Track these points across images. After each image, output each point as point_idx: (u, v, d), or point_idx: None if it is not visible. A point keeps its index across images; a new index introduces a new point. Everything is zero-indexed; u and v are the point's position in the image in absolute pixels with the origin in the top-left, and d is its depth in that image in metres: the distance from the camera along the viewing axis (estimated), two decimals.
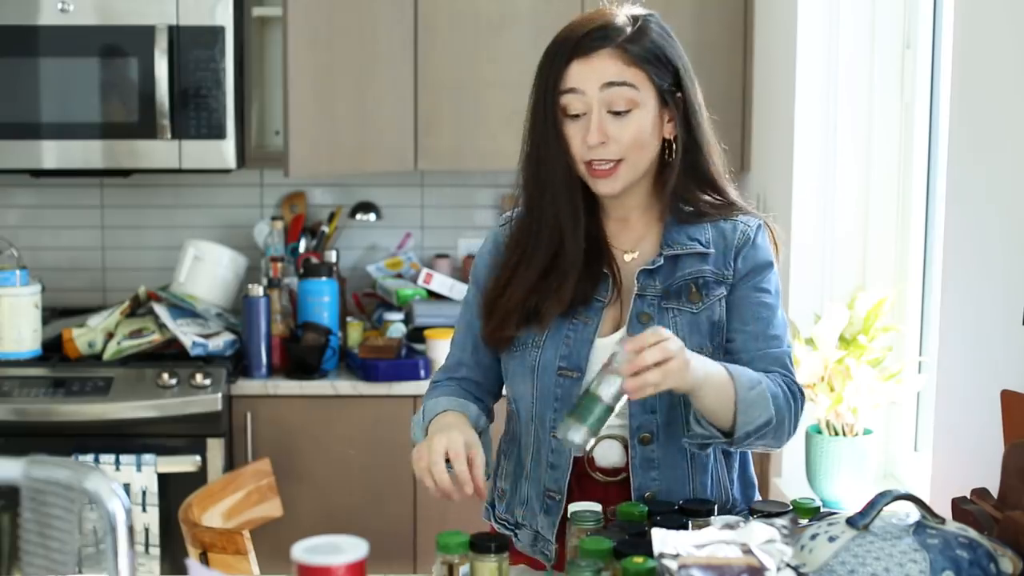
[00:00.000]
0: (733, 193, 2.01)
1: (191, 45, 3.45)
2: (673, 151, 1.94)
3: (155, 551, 3.24)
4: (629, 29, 1.90)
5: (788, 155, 3.15)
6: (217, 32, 3.45)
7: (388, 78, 3.55)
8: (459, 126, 3.58)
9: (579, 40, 1.89)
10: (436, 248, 3.96)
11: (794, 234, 3.12)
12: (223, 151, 3.49)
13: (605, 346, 1.92)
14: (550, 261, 1.95)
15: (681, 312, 1.92)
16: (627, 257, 1.98)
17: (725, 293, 1.93)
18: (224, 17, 3.45)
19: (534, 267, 1.95)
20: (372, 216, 3.91)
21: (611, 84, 1.87)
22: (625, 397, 1.72)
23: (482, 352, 2.04)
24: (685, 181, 1.95)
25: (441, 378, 2.08)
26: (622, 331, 1.93)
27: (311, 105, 3.40)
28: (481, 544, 1.64)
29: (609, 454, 1.95)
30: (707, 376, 1.79)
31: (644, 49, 1.89)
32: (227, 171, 3.56)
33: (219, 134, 3.48)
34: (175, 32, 3.44)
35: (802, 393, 1.94)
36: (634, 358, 1.71)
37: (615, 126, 1.88)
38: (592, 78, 1.87)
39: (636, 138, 1.89)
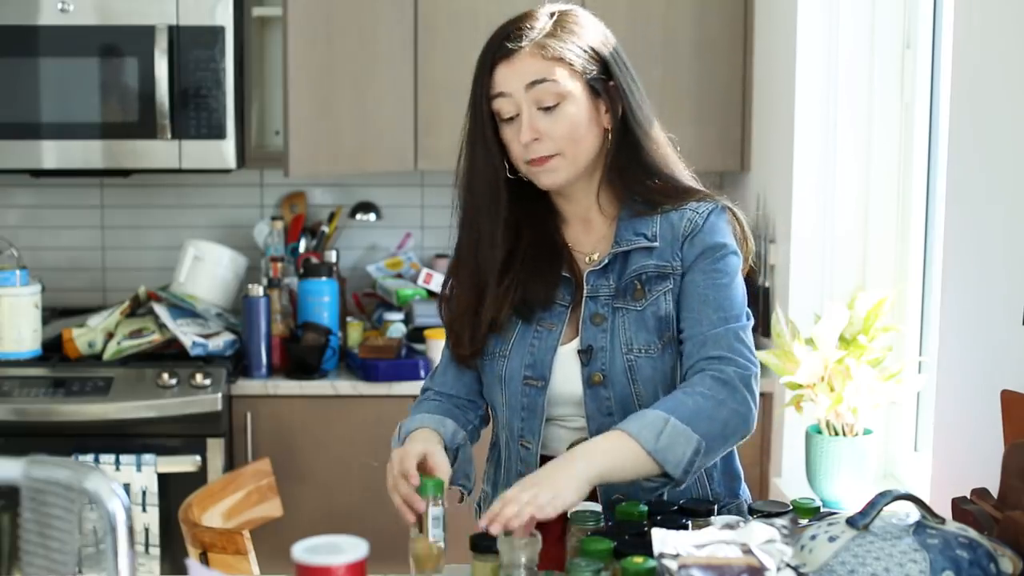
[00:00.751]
0: (686, 178, 1.98)
1: (191, 45, 3.45)
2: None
3: (155, 551, 3.24)
4: (548, 24, 1.90)
5: (788, 155, 3.15)
6: (217, 32, 3.45)
7: (388, 78, 3.54)
8: (459, 126, 3.53)
9: (500, 43, 1.91)
10: (436, 248, 3.96)
11: (794, 234, 3.13)
12: (223, 151, 3.49)
13: (567, 352, 1.92)
14: (480, 276, 1.96)
15: (628, 311, 1.91)
16: (588, 260, 1.97)
17: (671, 286, 1.90)
18: (224, 17, 3.45)
19: (467, 285, 1.97)
20: (372, 216, 3.91)
21: (534, 83, 1.88)
22: (535, 550, 1.63)
23: (460, 365, 2.05)
24: (631, 171, 1.93)
25: (429, 387, 2.08)
26: (577, 340, 1.92)
27: (311, 105, 3.40)
28: (481, 544, 1.64)
29: None
30: (602, 467, 1.73)
31: (563, 42, 1.89)
32: (227, 171, 3.56)
33: (219, 134, 3.48)
34: (175, 32, 3.43)
35: (747, 370, 1.84)
36: (500, 515, 1.65)
37: (546, 122, 1.88)
38: (515, 79, 1.88)
39: (569, 132, 1.89)
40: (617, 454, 1.75)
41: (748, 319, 1.91)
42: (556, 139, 1.89)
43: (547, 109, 1.88)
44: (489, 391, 2.01)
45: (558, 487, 1.68)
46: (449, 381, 2.05)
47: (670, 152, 1.98)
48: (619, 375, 1.89)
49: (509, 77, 1.89)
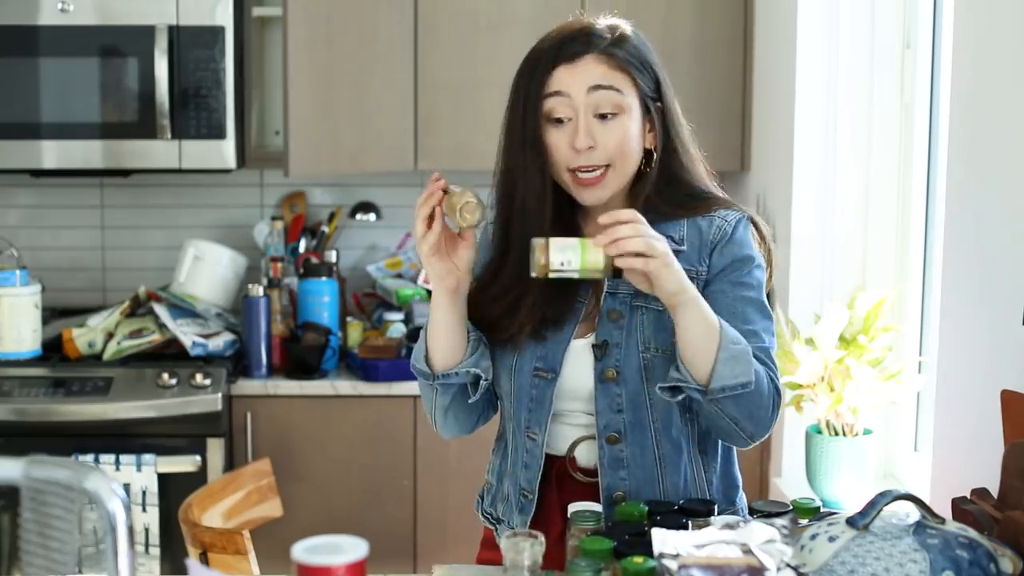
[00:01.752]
0: (715, 190, 1.98)
1: (191, 45, 3.45)
2: (652, 161, 1.93)
3: (155, 551, 3.24)
4: (611, 36, 1.90)
5: (788, 155, 3.15)
6: (217, 32, 3.45)
7: (388, 78, 3.55)
8: (459, 126, 3.58)
9: (563, 46, 1.88)
10: None
11: (794, 234, 3.13)
12: (223, 151, 3.49)
13: (581, 347, 1.92)
14: (521, 282, 1.92)
15: (648, 310, 1.90)
16: None
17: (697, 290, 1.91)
18: (224, 17, 3.45)
19: (506, 287, 1.94)
20: (372, 216, 3.91)
21: (598, 87, 1.86)
22: (539, 552, 1.60)
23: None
24: (670, 193, 1.93)
25: None
26: (593, 335, 1.92)
27: (311, 105, 3.40)
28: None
29: (589, 454, 1.95)
30: (695, 298, 1.77)
31: (628, 54, 1.89)
32: (227, 171, 3.56)
33: (219, 134, 3.48)
34: (175, 32, 3.43)
35: (779, 392, 1.89)
36: (610, 230, 1.71)
37: (602, 130, 1.86)
38: (578, 81, 1.86)
39: (622, 144, 1.87)
40: (702, 311, 1.78)
41: (772, 339, 1.92)
42: (609, 150, 1.87)
43: (603, 117, 1.87)
44: (497, 380, 1.99)
45: (671, 257, 1.73)
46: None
47: (703, 171, 1.99)
48: (633, 372, 1.89)
49: (572, 77, 1.86)
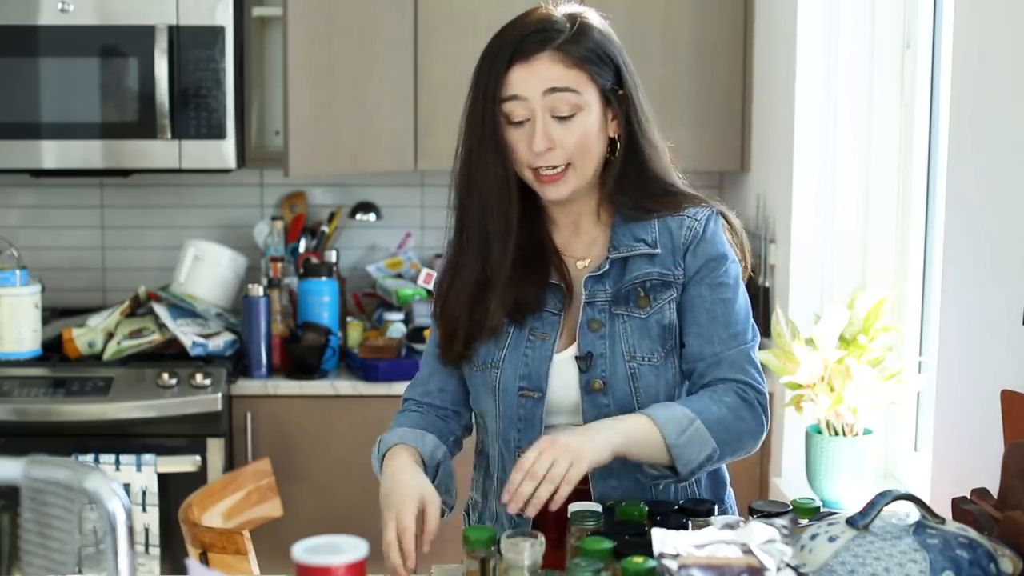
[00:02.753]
0: (679, 183, 1.96)
1: (191, 45, 3.45)
2: (616, 150, 1.90)
3: (155, 551, 3.24)
4: (568, 28, 1.85)
5: (788, 155, 3.15)
6: (217, 32, 3.45)
7: (388, 78, 3.54)
8: (459, 126, 3.57)
9: (518, 43, 1.84)
10: (436, 248, 3.96)
11: (794, 234, 3.13)
12: (223, 151, 3.49)
13: (563, 360, 1.90)
14: (487, 273, 1.91)
15: (630, 318, 1.89)
16: (579, 264, 1.94)
17: (676, 295, 1.89)
18: (224, 17, 3.45)
19: (468, 280, 1.92)
20: (372, 216, 3.91)
21: (554, 90, 1.83)
22: (539, 552, 1.60)
23: (445, 374, 2.01)
24: (631, 180, 1.91)
25: (411, 397, 2.04)
26: (574, 347, 1.90)
27: (311, 105, 3.40)
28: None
29: None
30: (627, 439, 1.76)
31: (586, 49, 1.85)
32: (227, 171, 3.56)
33: (219, 134, 3.48)
34: (175, 32, 3.43)
35: (763, 394, 1.89)
36: (517, 494, 1.68)
37: (560, 131, 1.84)
38: (534, 83, 1.83)
39: (582, 142, 1.85)
40: (639, 436, 1.77)
41: (755, 335, 1.92)
42: (568, 149, 1.85)
43: (561, 118, 1.84)
44: (479, 402, 1.97)
45: (580, 452, 1.70)
46: (433, 391, 2.01)
47: (667, 159, 1.96)
48: (620, 382, 1.88)
49: (527, 80, 1.83)
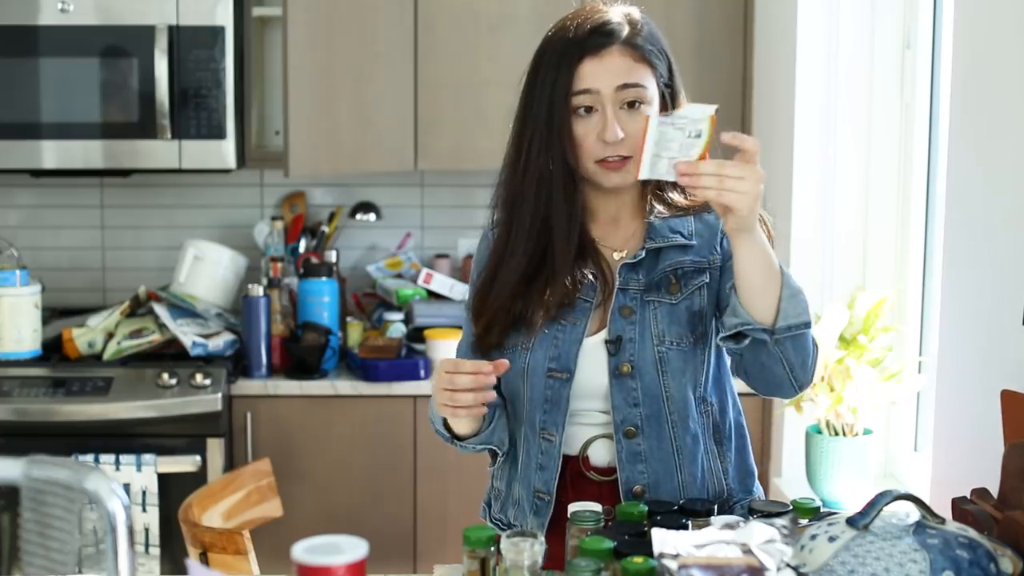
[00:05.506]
0: None
1: (191, 45, 3.45)
2: None
3: (155, 551, 3.24)
4: (628, 25, 1.91)
5: (788, 155, 3.15)
6: (217, 32, 3.45)
7: (388, 78, 3.55)
8: (459, 126, 3.58)
9: (586, 38, 1.88)
10: (436, 248, 3.96)
11: (794, 234, 3.13)
12: (223, 151, 3.49)
13: (593, 344, 1.92)
14: (533, 266, 1.94)
15: (660, 304, 1.92)
16: (616, 256, 1.98)
17: (707, 280, 1.92)
18: (224, 17, 3.45)
19: (516, 272, 1.94)
20: (372, 216, 3.91)
21: (625, 85, 1.88)
22: (540, 552, 1.60)
23: (480, 357, 2.02)
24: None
25: None
26: (604, 332, 1.93)
27: (311, 105, 3.40)
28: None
29: (603, 453, 1.95)
30: (766, 247, 1.78)
31: (649, 44, 1.91)
32: (227, 171, 3.56)
33: (219, 134, 3.48)
34: (175, 32, 3.44)
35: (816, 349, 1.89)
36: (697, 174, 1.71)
37: (628, 121, 1.88)
38: (605, 77, 1.87)
39: (642, 133, 1.88)
40: (771, 256, 1.78)
41: None
42: (634, 139, 1.87)
43: (628, 109, 1.89)
44: (508, 384, 1.99)
45: (759, 193, 1.71)
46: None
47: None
48: (648, 366, 1.90)
49: (598, 74, 1.87)
